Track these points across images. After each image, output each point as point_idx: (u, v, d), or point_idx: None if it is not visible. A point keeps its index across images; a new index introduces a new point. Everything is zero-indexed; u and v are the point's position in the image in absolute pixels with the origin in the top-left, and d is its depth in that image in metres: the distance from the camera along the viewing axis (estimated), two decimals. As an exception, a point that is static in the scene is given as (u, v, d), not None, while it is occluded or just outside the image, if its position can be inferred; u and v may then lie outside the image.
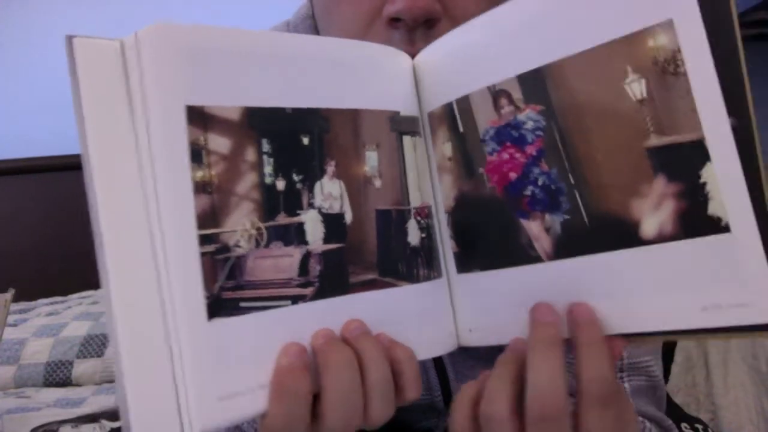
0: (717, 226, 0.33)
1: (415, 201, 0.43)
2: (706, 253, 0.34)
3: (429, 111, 0.44)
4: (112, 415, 1.11)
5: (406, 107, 0.44)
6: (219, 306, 0.34)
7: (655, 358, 0.58)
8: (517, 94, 0.39)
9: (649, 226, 0.35)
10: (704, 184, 0.33)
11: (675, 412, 0.75)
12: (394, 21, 0.48)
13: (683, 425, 0.68)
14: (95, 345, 1.41)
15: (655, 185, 0.35)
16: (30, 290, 1.68)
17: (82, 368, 1.38)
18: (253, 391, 0.35)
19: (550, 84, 0.38)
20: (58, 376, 1.38)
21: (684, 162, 0.34)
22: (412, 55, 0.45)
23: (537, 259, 0.40)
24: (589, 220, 0.37)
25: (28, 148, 1.94)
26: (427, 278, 0.43)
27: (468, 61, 0.42)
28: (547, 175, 0.39)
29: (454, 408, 0.40)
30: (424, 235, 0.43)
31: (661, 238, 0.35)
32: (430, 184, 0.45)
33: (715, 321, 0.34)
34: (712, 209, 0.33)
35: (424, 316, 0.43)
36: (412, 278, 0.42)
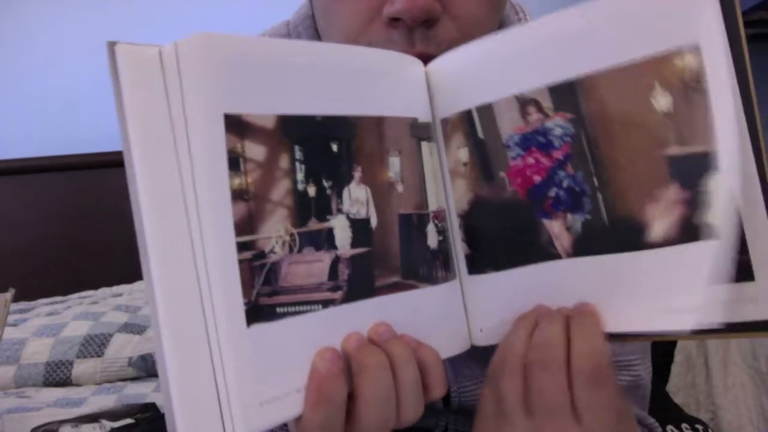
0: (709, 234, 0.36)
1: (432, 205, 0.44)
2: (698, 258, 0.36)
3: (443, 117, 0.45)
4: (112, 415, 1.11)
5: (423, 114, 0.45)
6: (257, 312, 0.34)
7: (641, 358, 0.59)
8: (546, 103, 0.41)
9: (657, 230, 0.38)
10: (709, 193, 0.36)
11: (675, 412, 0.76)
12: (394, 21, 0.48)
13: (683, 425, 0.69)
14: (95, 345, 1.40)
15: (669, 191, 0.37)
16: (30, 290, 1.67)
17: (82, 368, 1.37)
18: (290, 395, 0.35)
19: (580, 94, 0.40)
20: (58, 376, 1.37)
21: (695, 171, 0.36)
22: (412, 55, 0.45)
23: (556, 257, 0.41)
24: (608, 220, 0.40)
25: (28, 148, 1.92)
26: (445, 280, 0.44)
27: (492, 70, 0.43)
28: (572, 177, 0.41)
29: (498, 367, 0.41)
30: (441, 238, 0.44)
31: (665, 242, 0.37)
32: (443, 188, 0.46)
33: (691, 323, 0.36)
34: (710, 217, 0.36)
35: (442, 317, 0.44)
36: (432, 280, 0.43)
